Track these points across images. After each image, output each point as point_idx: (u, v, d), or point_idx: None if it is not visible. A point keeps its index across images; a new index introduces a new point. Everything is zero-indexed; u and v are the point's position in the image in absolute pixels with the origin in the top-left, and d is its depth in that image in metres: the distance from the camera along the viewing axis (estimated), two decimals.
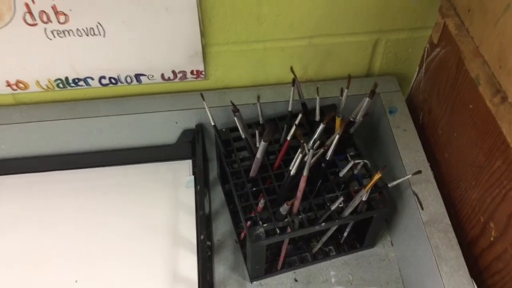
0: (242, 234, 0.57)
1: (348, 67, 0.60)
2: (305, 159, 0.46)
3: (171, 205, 0.60)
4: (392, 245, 0.58)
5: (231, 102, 0.50)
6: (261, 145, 0.47)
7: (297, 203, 0.47)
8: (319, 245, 0.55)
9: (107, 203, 0.60)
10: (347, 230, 0.54)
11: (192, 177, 0.62)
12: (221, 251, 0.58)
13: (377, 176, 0.44)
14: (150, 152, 0.63)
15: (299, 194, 0.47)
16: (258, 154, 0.48)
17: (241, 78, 0.60)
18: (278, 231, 0.48)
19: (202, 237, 0.50)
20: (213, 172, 0.64)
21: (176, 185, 0.62)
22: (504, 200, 0.42)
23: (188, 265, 0.55)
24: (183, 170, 0.63)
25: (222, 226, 0.60)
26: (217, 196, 0.62)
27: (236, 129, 0.54)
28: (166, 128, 0.61)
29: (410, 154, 0.54)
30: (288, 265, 0.56)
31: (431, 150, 0.55)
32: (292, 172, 0.47)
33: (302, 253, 0.57)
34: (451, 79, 0.50)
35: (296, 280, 0.55)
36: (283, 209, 0.45)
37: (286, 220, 0.48)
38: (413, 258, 0.52)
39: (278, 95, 0.59)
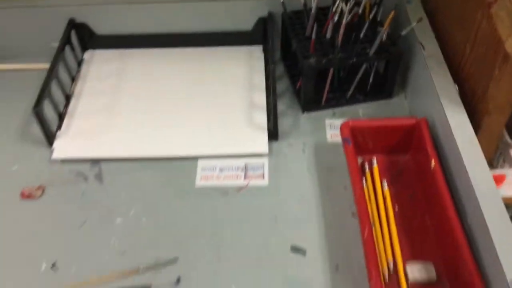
0: (298, 84, 0.80)
1: None
2: (343, 16, 0.70)
3: (247, 69, 0.84)
4: (405, 98, 0.80)
5: None
6: (314, 1, 0.72)
7: (339, 38, 0.70)
8: (351, 89, 0.78)
9: (199, 68, 0.85)
10: (372, 75, 0.77)
11: None
12: (281, 98, 0.81)
13: (391, 14, 0.67)
14: (232, 36, 0.88)
15: (340, 33, 0.71)
16: (313, 9, 0.73)
17: None
18: (324, 62, 0.72)
19: (272, 67, 0.75)
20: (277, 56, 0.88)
21: (251, 59, 0.86)
22: (474, 22, 0.64)
23: (260, 102, 0.79)
24: (257, 51, 0.88)
25: (282, 85, 0.83)
26: (279, 70, 0.86)
27: (298, 13, 0.79)
28: (245, 16, 0.85)
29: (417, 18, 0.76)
30: (329, 105, 0.79)
31: (433, 16, 0.77)
32: (335, 19, 0.71)
33: (339, 99, 0.80)
34: None
35: (334, 113, 0.78)
36: (329, 32, 0.69)
37: (330, 55, 0.72)
38: (419, 97, 0.75)
39: None
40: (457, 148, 0.60)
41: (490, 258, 0.51)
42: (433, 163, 0.61)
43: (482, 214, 0.53)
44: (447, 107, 0.64)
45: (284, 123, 0.77)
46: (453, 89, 0.66)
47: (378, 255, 0.58)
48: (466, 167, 0.58)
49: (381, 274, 0.57)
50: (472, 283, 0.51)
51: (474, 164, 0.58)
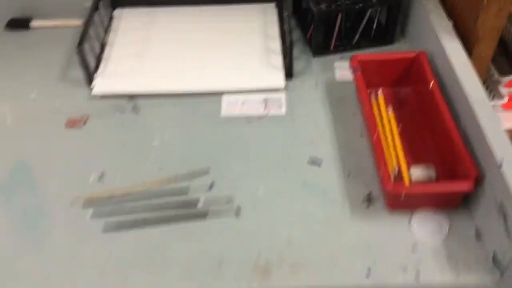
0: (309, 33, 0.90)
1: None
2: None
3: (262, 21, 0.93)
4: (405, 43, 0.89)
5: None
6: None
7: None
8: (357, 35, 0.87)
9: (219, 22, 0.94)
10: (375, 23, 0.86)
11: None
12: (295, 46, 0.90)
13: None
14: None
15: None
16: None
17: None
18: (333, 7, 0.81)
19: (286, 13, 0.84)
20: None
21: (266, 14, 0.95)
22: None
23: (275, 48, 0.88)
24: (270, 7, 0.97)
25: (295, 36, 0.92)
26: (291, 23, 0.95)
27: None
28: None
29: None
30: (337, 50, 0.88)
31: None
32: None
33: (346, 45, 0.89)
34: None
35: (341, 57, 0.87)
36: None
37: (339, 1, 0.82)
38: (417, 40, 0.84)
39: None
40: (453, 70, 0.69)
41: (481, 148, 0.60)
42: (431, 84, 0.70)
43: (474, 114, 0.62)
44: (443, 38, 0.73)
45: (297, 66, 0.86)
46: (448, 24, 0.75)
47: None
48: (459, 78, 0.67)
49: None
50: (468, 174, 0.60)
51: (467, 79, 0.67)
